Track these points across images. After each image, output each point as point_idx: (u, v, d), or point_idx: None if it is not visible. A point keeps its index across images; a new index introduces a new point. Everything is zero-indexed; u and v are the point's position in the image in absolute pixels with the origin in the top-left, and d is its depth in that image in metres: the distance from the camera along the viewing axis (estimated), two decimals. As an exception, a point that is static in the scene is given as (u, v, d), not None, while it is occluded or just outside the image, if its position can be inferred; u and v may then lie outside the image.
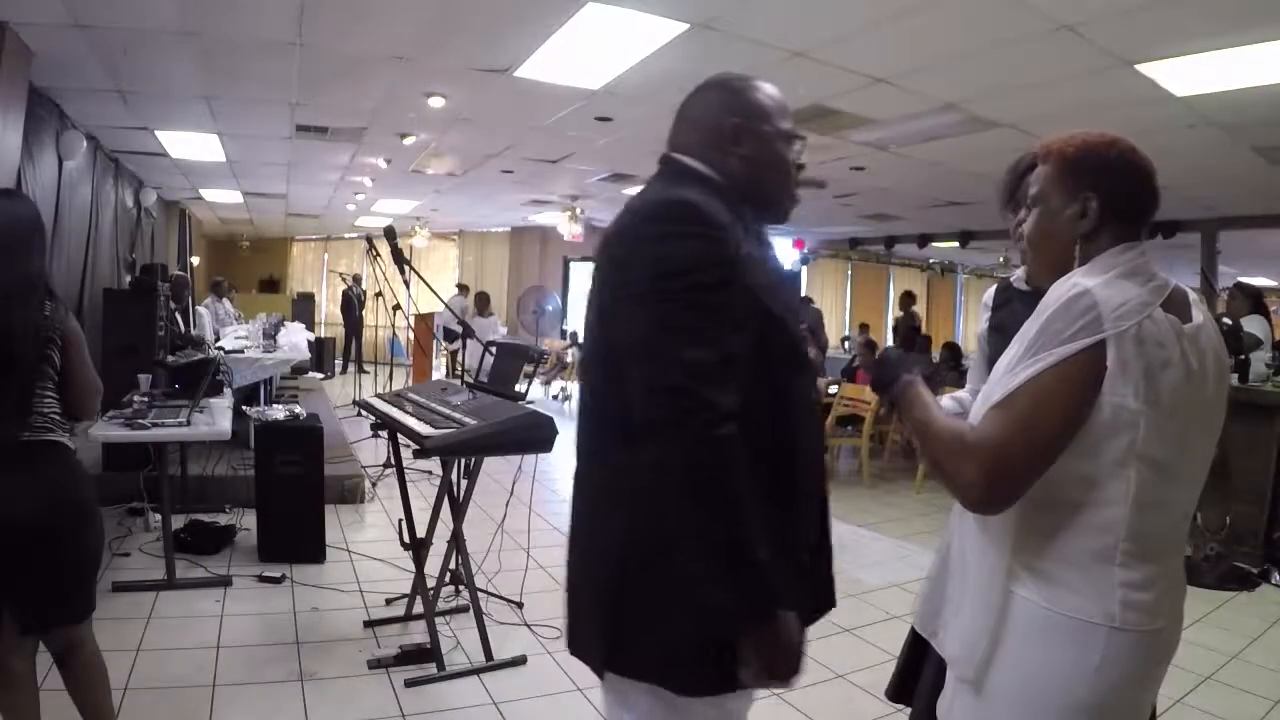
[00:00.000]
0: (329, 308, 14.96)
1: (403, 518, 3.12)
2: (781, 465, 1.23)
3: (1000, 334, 1.92)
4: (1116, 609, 1.12)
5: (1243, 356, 4.54)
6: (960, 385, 2.06)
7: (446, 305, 6.77)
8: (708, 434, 1.07)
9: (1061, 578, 1.15)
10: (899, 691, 1.95)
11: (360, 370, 11.99)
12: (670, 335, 1.10)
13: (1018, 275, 1.97)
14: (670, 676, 1.19)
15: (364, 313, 12.81)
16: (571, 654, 1.35)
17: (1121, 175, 1.22)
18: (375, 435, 6.57)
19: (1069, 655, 1.13)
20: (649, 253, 1.16)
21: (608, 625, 1.23)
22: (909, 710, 1.94)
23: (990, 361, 1.96)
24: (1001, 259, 12.08)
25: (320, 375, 11.26)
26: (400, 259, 4.09)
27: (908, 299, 11.17)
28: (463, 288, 11.95)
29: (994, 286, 2.09)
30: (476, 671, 2.88)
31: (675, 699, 1.20)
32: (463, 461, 3.35)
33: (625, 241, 1.21)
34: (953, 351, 8.24)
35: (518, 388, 3.35)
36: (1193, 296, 1.24)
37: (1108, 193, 1.21)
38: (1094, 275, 1.17)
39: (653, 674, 1.20)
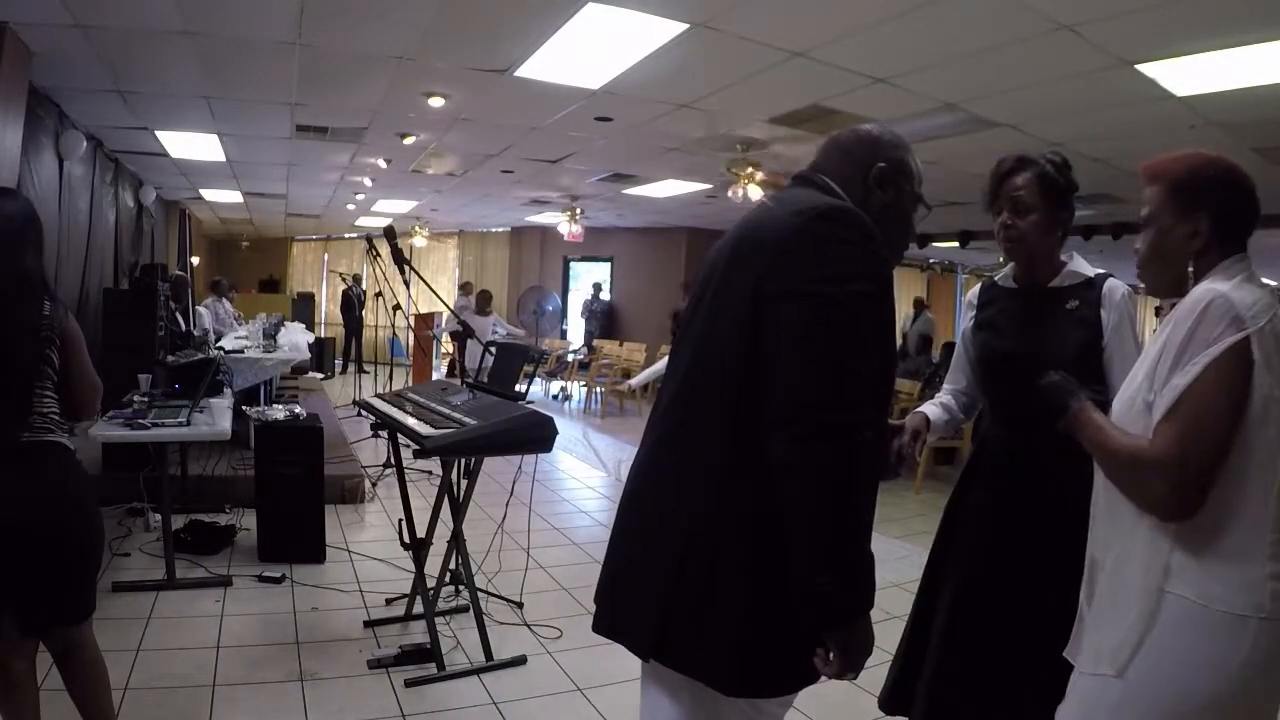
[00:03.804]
0: (329, 308, 14.97)
1: (403, 518, 3.12)
2: None
3: (988, 332, 1.92)
4: (1266, 600, 1.17)
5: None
6: None
7: (452, 311, 6.78)
8: (857, 440, 1.11)
9: (1218, 573, 1.19)
10: (891, 701, 1.95)
11: (360, 370, 12.00)
12: (842, 340, 1.14)
13: (1003, 274, 1.97)
14: (722, 675, 1.20)
15: (364, 313, 12.80)
16: (600, 633, 1.35)
17: (1228, 194, 1.30)
18: (375, 435, 6.57)
19: (1219, 648, 1.17)
20: (822, 251, 1.18)
21: (665, 613, 1.23)
22: (903, 715, 1.94)
23: (974, 361, 1.97)
24: (1000, 258, 12.10)
25: (320, 375, 11.27)
26: (400, 259, 4.09)
27: (919, 305, 11.20)
28: (466, 286, 11.90)
29: (978, 285, 2.10)
30: (476, 671, 2.88)
31: (717, 697, 1.20)
32: (463, 461, 3.35)
33: (787, 233, 1.21)
34: (952, 352, 8.23)
35: (518, 388, 3.35)
36: None
37: (1217, 212, 1.29)
38: (1222, 282, 1.25)
39: (703, 670, 1.21)
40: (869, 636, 1.17)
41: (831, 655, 1.16)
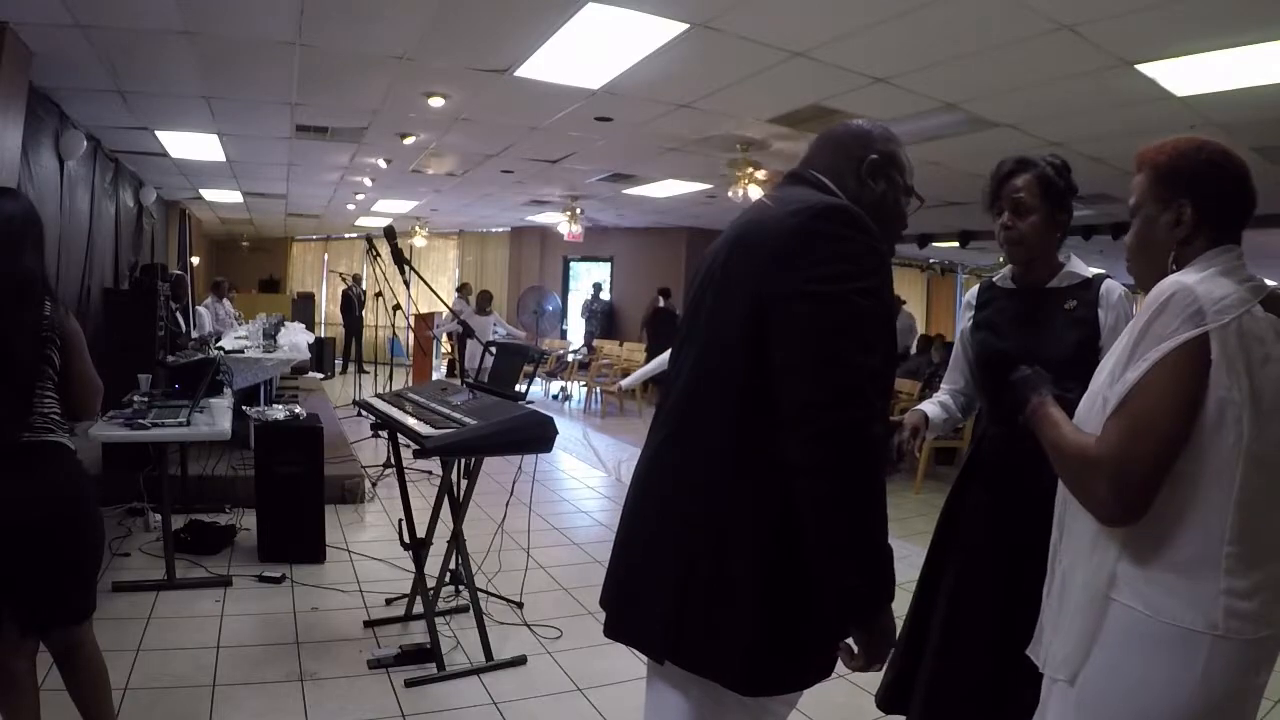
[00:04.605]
0: (329, 308, 14.97)
1: (403, 518, 3.12)
2: None
3: (986, 332, 1.93)
4: (1220, 617, 1.10)
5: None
6: None
7: (451, 310, 6.75)
8: (868, 435, 1.12)
9: (1165, 584, 1.13)
10: (889, 700, 1.95)
11: (360, 370, 12.00)
12: (848, 338, 1.15)
13: (1002, 274, 1.98)
14: (736, 675, 1.20)
15: (364, 313, 12.80)
16: (613, 638, 1.35)
17: (1213, 180, 1.23)
18: (375, 435, 6.57)
19: (1172, 665, 1.12)
20: (821, 250, 1.19)
21: (677, 615, 1.23)
22: (901, 714, 1.94)
23: (972, 361, 1.97)
24: (1000, 259, 12.12)
25: (320, 375, 11.26)
26: (400, 259, 4.09)
27: (897, 302, 11.23)
28: (464, 288, 11.90)
29: (976, 286, 2.10)
30: (476, 671, 2.88)
31: (724, 695, 1.21)
32: (463, 461, 3.35)
33: (785, 233, 1.22)
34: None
35: (518, 388, 3.35)
36: None
37: (1200, 199, 1.22)
38: (1192, 273, 1.17)
39: (716, 670, 1.21)
40: (892, 628, 1.18)
41: (856, 649, 1.17)
